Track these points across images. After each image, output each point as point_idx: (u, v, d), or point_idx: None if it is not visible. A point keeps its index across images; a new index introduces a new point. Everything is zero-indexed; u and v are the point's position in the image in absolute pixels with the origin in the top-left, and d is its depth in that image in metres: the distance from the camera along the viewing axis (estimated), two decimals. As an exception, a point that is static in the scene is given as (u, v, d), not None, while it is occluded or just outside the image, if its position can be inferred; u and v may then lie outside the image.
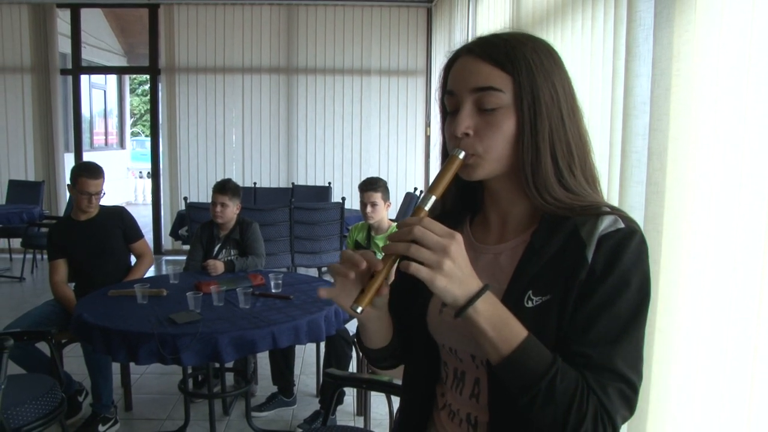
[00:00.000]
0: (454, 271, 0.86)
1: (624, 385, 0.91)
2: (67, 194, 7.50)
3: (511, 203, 1.04)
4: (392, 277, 0.94)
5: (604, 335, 0.91)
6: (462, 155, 0.96)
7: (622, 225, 0.94)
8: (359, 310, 0.92)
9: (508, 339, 0.89)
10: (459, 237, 0.87)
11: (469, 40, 1.03)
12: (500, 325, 0.89)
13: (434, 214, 0.97)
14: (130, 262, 3.71)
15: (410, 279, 0.89)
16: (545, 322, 0.93)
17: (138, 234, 3.72)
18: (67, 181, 3.62)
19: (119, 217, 3.66)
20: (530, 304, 0.95)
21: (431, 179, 0.98)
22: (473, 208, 1.13)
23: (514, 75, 0.95)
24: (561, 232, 0.96)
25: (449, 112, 1.01)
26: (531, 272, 0.97)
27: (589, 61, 2.35)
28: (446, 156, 1.02)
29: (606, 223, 0.94)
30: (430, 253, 0.86)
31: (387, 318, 1.09)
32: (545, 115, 0.95)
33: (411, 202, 6.30)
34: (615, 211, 0.96)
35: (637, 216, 1.77)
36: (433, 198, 0.94)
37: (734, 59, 1.43)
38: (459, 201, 1.12)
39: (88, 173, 3.46)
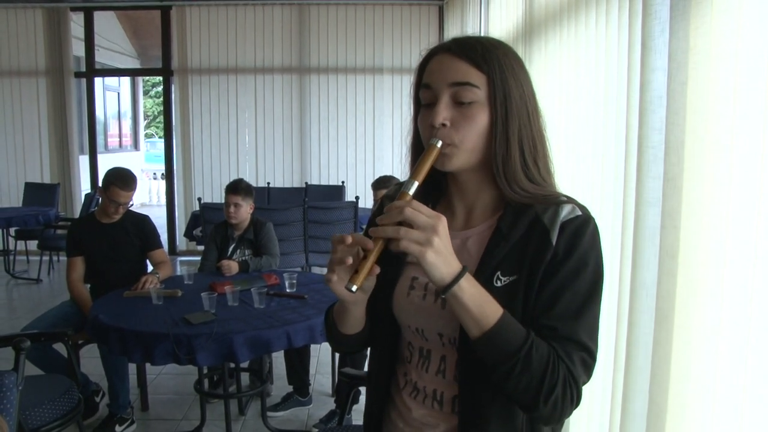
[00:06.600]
0: (442, 249, 0.93)
1: (585, 354, 1.01)
2: (83, 195, 7.56)
3: (477, 193, 1.13)
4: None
5: (567, 310, 1.01)
6: (439, 144, 1.03)
7: (579, 212, 1.05)
8: (354, 288, 0.97)
9: (488, 315, 0.97)
10: (444, 218, 0.95)
11: (444, 40, 1.13)
12: (480, 302, 0.97)
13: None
14: (145, 269, 3.67)
15: (377, 264, 0.98)
16: (513, 300, 1.02)
17: (156, 244, 3.68)
18: (86, 183, 3.62)
19: (140, 226, 3.64)
20: (499, 284, 1.04)
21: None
22: (435, 196, 1.20)
23: (489, 74, 1.03)
24: (524, 218, 1.06)
25: (423, 105, 1.09)
26: (499, 254, 1.06)
27: (604, 56, 2.32)
28: (416, 147, 1.13)
29: (566, 211, 1.04)
30: (420, 233, 0.93)
31: (365, 302, 1.14)
32: (515, 113, 1.04)
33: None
34: (571, 200, 1.07)
35: (655, 211, 1.75)
36: (416, 183, 1.01)
37: (753, 51, 1.41)
38: (421, 189, 1.13)
39: (121, 183, 3.44)
